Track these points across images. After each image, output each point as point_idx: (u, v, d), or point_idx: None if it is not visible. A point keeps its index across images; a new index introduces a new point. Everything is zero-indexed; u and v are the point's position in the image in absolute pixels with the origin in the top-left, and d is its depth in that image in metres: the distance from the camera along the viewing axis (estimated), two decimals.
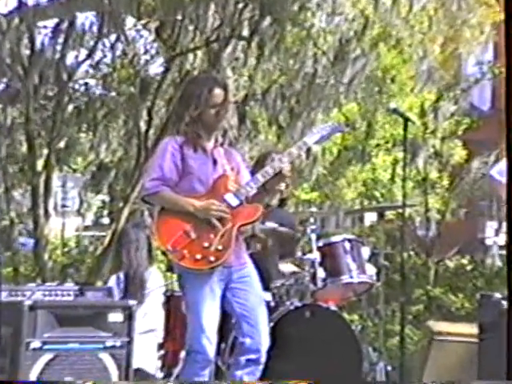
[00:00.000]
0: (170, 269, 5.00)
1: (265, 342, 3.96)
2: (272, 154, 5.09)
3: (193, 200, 3.94)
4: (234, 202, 3.98)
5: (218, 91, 4.00)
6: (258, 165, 4.97)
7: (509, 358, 3.80)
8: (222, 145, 4.15)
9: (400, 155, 13.40)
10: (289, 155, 3.99)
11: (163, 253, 4.03)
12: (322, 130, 4.10)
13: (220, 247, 3.87)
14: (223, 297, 3.97)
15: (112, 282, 5.56)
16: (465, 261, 13.53)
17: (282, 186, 4.81)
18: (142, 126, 11.19)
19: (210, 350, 3.89)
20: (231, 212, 3.96)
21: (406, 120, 4.94)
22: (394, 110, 5.16)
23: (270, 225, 4.95)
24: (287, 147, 13.10)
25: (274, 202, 5.23)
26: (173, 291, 5.31)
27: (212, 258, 3.88)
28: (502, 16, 10.94)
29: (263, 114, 11.79)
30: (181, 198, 3.95)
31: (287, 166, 4.01)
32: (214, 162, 4.06)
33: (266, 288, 4.77)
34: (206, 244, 3.87)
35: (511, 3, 3.97)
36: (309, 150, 14.68)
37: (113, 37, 10.94)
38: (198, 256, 3.85)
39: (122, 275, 5.51)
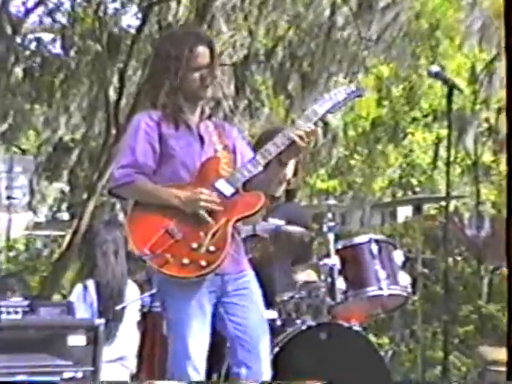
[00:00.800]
0: (148, 276, 5.02)
1: (266, 373, 3.97)
2: (277, 132, 5.10)
3: (176, 190, 3.97)
4: (228, 190, 3.98)
5: (201, 49, 4.02)
6: (260, 145, 4.96)
7: (509, 357, 3.90)
8: (210, 117, 4.13)
9: (444, 132, 13.42)
10: (295, 129, 4.03)
11: (139, 258, 4.03)
12: (335, 95, 4.10)
13: (212, 248, 3.88)
14: (214, 314, 3.96)
15: (75, 294, 5.57)
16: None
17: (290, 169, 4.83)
18: (112, 94, 11.21)
19: (197, 379, 3.88)
20: (225, 203, 3.97)
21: (452, 87, 4.94)
22: (437, 74, 5.15)
23: (275, 222, 4.97)
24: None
25: (280, 192, 5.25)
26: (150, 307, 5.34)
27: (203, 263, 3.87)
28: None
29: (268, 81, 11.81)
30: (160, 189, 3.95)
31: (298, 138, 4.02)
32: (201, 140, 4.06)
33: (271, 303, 4.78)
34: (195, 245, 3.88)
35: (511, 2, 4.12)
36: (326, 124, 14.69)
37: None
38: (185, 260, 3.86)
39: (90, 285, 5.53)
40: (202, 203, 3.93)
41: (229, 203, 3.97)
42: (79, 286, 5.63)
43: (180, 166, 4.00)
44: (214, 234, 3.92)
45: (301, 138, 4.00)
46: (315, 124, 4.05)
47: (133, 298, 5.58)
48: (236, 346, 3.99)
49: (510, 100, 4.14)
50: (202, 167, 4.02)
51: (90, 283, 5.58)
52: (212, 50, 4.08)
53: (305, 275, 5.26)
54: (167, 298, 4.00)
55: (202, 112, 4.13)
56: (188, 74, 4.02)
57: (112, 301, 5.51)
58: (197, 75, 4.03)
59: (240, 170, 4.02)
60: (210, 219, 3.93)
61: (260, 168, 4.00)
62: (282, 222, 5.01)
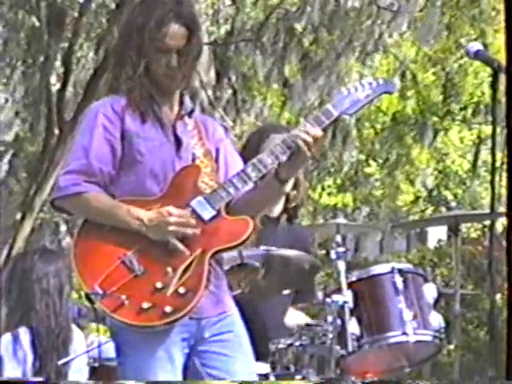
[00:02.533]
0: (98, 319, 5.01)
1: None
2: (272, 132, 5.08)
3: (138, 209, 3.93)
4: (207, 212, 3.98)
5: (174, 27, 3.97)
6: (249, 149, 4.95)
7: (509, 357, 3.96)
8: (190, 114, 4.13)
9: (487, 130, 13.48)
10: (299, 134, 3.98)
11: (86, 297, 4.02)
12: (355, 90, 4.08)
13: (182, 290, 3.87)
14: (187, 366, 3.96)
15: (2, 347, 5.58)
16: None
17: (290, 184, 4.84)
18: (54, 82, 11.23)
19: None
20: (202, 229, 3.97)
21: (498, 70, 4.97)
22: (478, 54, 5.16)
23: (269, 248, 4.98)
24: (298, 117, 13.24)
25: (277, 211, 5.27)
26: (102, 359, 5.35)
27: (168, 309, 3.88)
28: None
29: (258, 64, 11.86)
30: (118, 206, 3.93)
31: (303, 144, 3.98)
32: (178, 142, 4.04)
33: (263, 352, 4.80)
34: (159, 284, 3.88)
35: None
36: (335, 120, 14.67)
37: None
38: (145, 304, 3.85)
39: (23, 335, 5.54)
40: (172, 228, 3.91)
41: (207, 229, 3.95)
42: (7, 337, 5.63)
43: (147, 175, 3.97)
44: (185, 270, 3.90)
45: (307, 145, 3.95)
46: (324, 129, 4.01)
47: (80, 349, 5.59)
48: None
49: (510, 100, 4.18)
50: (176, 179, 3.99)
51: (23, 332, 5.57)
52: (191, 30, 4.01)
53: (298, 317, 5.29)
54: (125, 349, 4.00)
55: (181, 104, 4.10)
56: (153, 55, 4.01)
57: (54, 354, 5.51)
58: (163, 59, 4.01)
59: (224, 186, 3.98)
60: (183, 248, 3.92)
61: (250, 184, 3.99)
62: (278, 248, 5.03)
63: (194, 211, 3.94)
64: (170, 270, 3.89)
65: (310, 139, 3.94)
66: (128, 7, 4.37)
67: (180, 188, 3.98)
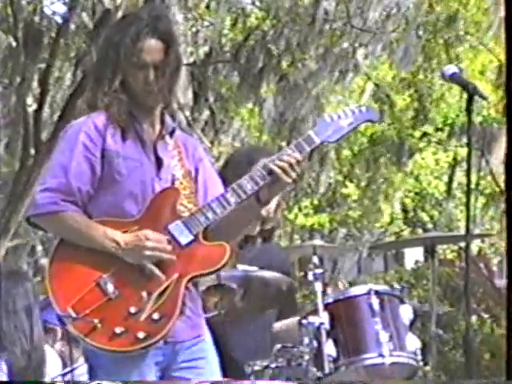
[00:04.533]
0: (70, 341, 4.99)
1: None
2: (252, 154, 5.08)
3: (114, 232, 3.91)
4: (185, 236, 3.94)
5: (151, 42, 3.98)
6: (228, 171, 4.94)
7: (509, 357, 3.97)
8: (172, 133, 4.08)
9: (462, 152, 13.54)
10: (278, 159, 3.95)
11: (58, 318, 3.99)
12: (338, 118, 4.09)
13: (156, 316, 3.86)
14: None
15: None
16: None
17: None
18: (31, 102, 11.21)
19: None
20: (178, 254, 3.92)
21: (473, 93, 4.99)
22: (453, 77, 5.19)
23: (245, 268, 4.99)
24: (276, 138, 13.22)
25: (255, 229, 5.25)
26: (76, 382, 5.33)
27: (140, 335, 3.83)
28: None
29: (234, 85, 11.88)
30: (94, 227, 3.90)
31: (280, 171, 3.96)
32: (158, 162, 4.02)
33: (239, 374, 4.80)
34: (133, 309, 3.86)
35: None
36: (317, 147, 14.64)
37: None
38: (118, 329, 3.84)
39: None
40: (149, 252, 3.89)
41: (183, 254, 3.93)
42: None
43: (126, 196, 3.95)
44: (160, 295, 3.88)
45: (284, 171, 3.96)
46: (303, 155, 4.00)
47: (55, 370, 5.57)
48: None
49: (509, 101, 4.20)
50: (155, 201, 3.97)
51: None
52: (168, 46, 4.00)
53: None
54: (98, 373, 3.97)
55: (162, 124, 4.08)
56: (130, 71, 3.99)
57: (29, 374, 5.48)
58: (141, 75, 3.99)
59: (203, 210, 3.96)
60: (159, 273, 3.90)
61: (229, 209, 3.97)
62: (254, 268, 5.04)
63: (171, 235, 3.92)
64: (144, 294, 3.87)
65: (285, 165, 3.95)
66: (107, 27, 4.37)
67: (158, 211, 3.96)
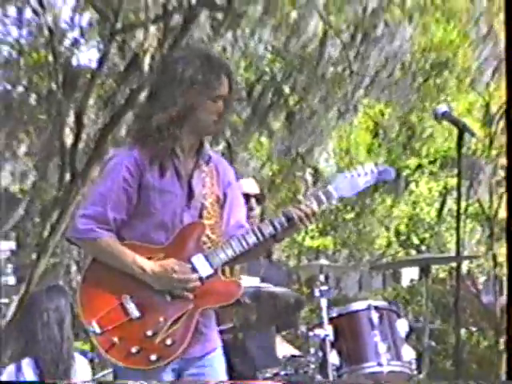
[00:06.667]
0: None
1: None
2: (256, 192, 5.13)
3: (143, 260, 3.85)
4: (205, 270, 3.88)
5: (223, 78, 3.95)
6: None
7: (509, 357, 3.92)
8: (208, 161, 4.00)
9: (453, 181, 13.50)
10: (303, 210, 3.90)
11: (85, 330, 3.97)
12: (358, 176, 4.04)
13: (169, 342, 3.81)
14: None
15: (6, 377, 5.49)
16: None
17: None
18: (68, 137, 11.22)
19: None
20: (198, 285, 3.87)
21: (463, 129, 4.98)
22: (445, 115, 5.18)
23: (255, 283, 4.97)
24: (283, 169, 13.11)
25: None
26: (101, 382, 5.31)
27: (153, 357, 3.80)
28: None
29: (247, 120, 11.87)
30: (125, 254, 3.85)
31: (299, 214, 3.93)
32: (190, 192, 3.95)
33: (251, 380, 4.77)
34: (150, 332, 3.80)
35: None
36: (317, 171, 14.75)
37: (19, 2, 10.98)
38: (134, 349, 3.80)
39: (25, 366, 5.48)
40: (175, 284, 3.83)
41: (202, 287, 3.88)
42: (10, 368, 5.57)
43: (156, 226, 3.91)
44: (174, 322, 3.83)
45: (301, 221, 3.94)
46: (321, 206, 3.97)
47: (83, 376, 5.53)
48: None
49: (509, 102, 4.17)
50: (182, 232, 3.92)
51: (25, 363, 5.51)
52: (230, 80, 3.98)
53: (283, 348, 5.25)
54: (123, 378, 3.94)
55: (199, 155, 4.02)
56: (205, 102, 3.92)
57: (57, 381, 5.45)
58: (213, 107, 3.94)
59: (223, 247, 3.91)
60: (191, 296, 3.87)
61: (247, 248, 3.91)
62: (256, 279, 5.02)
63: (193, 267, 3.87)
64: (161, 319, 3.83)
65: (305, 216, 3.93)
66: (168, 61, 4.22)
67: (184, 242, 3.91)
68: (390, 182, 4.20)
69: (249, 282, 4.96)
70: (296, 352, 5.14)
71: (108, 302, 3.84)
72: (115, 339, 3.81)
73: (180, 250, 3.88)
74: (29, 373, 5.46)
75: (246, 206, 4.50)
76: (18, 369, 5.49)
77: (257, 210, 5.27)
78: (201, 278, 3.86)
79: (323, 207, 4.08)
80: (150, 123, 3.91)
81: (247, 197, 4.91)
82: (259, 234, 3.92)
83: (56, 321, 5.54)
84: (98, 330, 3.82)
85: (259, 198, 5.36)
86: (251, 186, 5.32)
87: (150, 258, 3.87)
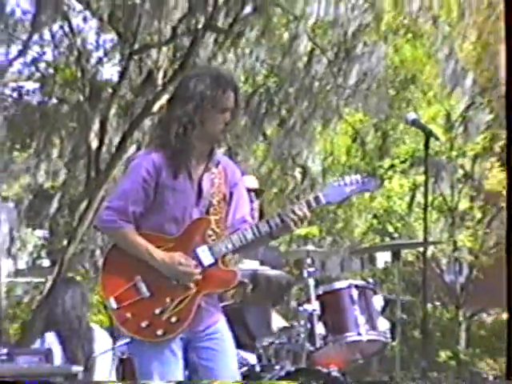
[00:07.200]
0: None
1: None
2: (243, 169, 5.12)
3: (155, 250, 3.85)
4: (208, 259, 3.87)
5: (230, 93, 3.94)
6: None
7: (509, 357, 3.89)
8: (217, 165, 3.97)
9: (420, 178, 13.47)
10: (291, 213, 3.87)
11: (104, 305, 3.99)
12: (344, 185, 4.01)
13: (174, 319, 3.80)
14: (185, 359, 3.90)
15: (45, 343, 5.55)
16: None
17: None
18: (93, 141, 11.20)
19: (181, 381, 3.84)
20: (200, 273, 3.85)
21: (429, 134, 4.96)
22: (414, 122, 5.16)
23: (253, 266, 4.94)
24: (277, 165, 13.11)
25: None
26: (126, 353, 5.29)
27: (159, 332, 3.80)
28: None
29: (246, 126, 11.85)
30: (142, 243, 3.85)
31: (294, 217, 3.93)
32: (199, 192, 3.93)
33: (250, 348, 4.76)
34: (158, 310, 3.80)
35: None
36: (305, 170, 14.76)
37: (54, 27, 10.97)
38: (144, 323, 3.79)
39: (50, 338, 5.51)
40: (180, 274, 3.83)
41: (204, 274, 3.87)
42: (52, 334, 5.58)
43: (169, 220, 3.89)
44: (179, 303, 3.83)
45: (294, 223, 3.91)
46: (311, 210, 3.94)
47: (103, 345, 5.54)
48: None
49: (509, 102, 4.13)
50: (190, 226, 3.90)
51: (50, 335, 5.52)
52: (236, 94, 3.97)
53: (277, 321, 5.23)
54: (139, 347, 3.92)
55: (209, 159, 3.99)
56: (214, 114, 3.90)
57: (79, 350, 5.45)
58: (221, 118, 3.91)
59: (224, 241, 3.91)
60: (193, 285, 3.86)
61: (245, 243, 3.91)
62: (256, 263, 4.99)
63: (197, 257, 3.87)
64: (168, 300, 3.83)
65: (298, 219, 3.90)
66: (184, 79, 4.19)
67: (191, 235, 3.90)
68: (372, 191, 4.15)
69: (249, 265, 4.94)
70: (288, 324, 5.11)
71: (124, 282, 3.84)
72: (128, 314, 3.81)
73: (187, 241, 3.88)
74: (55, 344, 5.46)
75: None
76: (43, 341, 5.48)
77: (255, 203, 5.24)
78: (203, 266, 3.85)
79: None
80: (168, 131, 3.90)
81: (248, 191, 4.87)
82: (256, 232, 3.91)
83: (73, 307, 5.56)
84: (114, 306, 3.83)
85: (258, 193, 5.33)
86: (251, 182, 5.30)
87: (161, 247, 3.86)
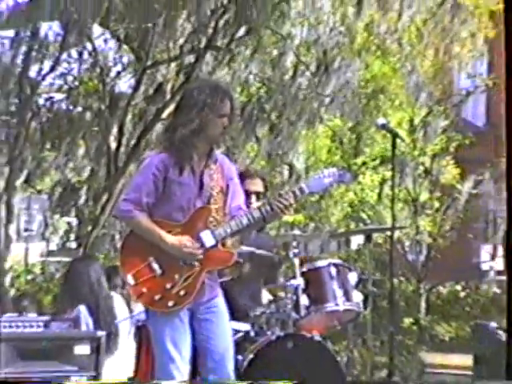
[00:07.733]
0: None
1: (230, 378, 3.94)
2: (251, 173, 5.10)
3: (165, 235, 3.87)
4: (210, 241, 3.91)
5: (227, 101, 3.94)
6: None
7: (509, 356, 3.86)
8: (216, 161, 3.99)
9: (388, 174, 13.47)
10: (278, 201, 3.91)
11: (122, 282, 4.01)
12: (323, 177, 4.04)
13: (182, 292, 3.83)
14: (191, 325, 3.92)
15: (80, 311, 5.50)
16: (459, 287, 13.57)
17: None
18: (112, 143, 11.18)
19: (180, 379, 3.87)
20: (203, 253, 3.90)
21: (395, 136, 4.98)
22: (383, 126, 5.18)
23: (248, 248, 4.95)
24: (269, 163, 13.09)
25: None
26: (142, 321, 5.30)
27: (170, 303, 3.85)
28: (493, 32, 11.19)
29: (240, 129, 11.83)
30: (154, 229, 3.88)
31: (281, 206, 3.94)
32: (201, 185, 3.95)
33: (245, 317, 4.76)
34: (168, 285, 3.83)
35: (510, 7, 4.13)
36: (291, 167, 14.79)
37: (79, 47, 10.95)
38: (157, 297, 3.83)
39: (82, 309, 5.49)
40: (185, 255, 3.86)
41: (206, 254, 3.90)
42: (83, 306, 5.55)
43: (176, 209, 3.92)
44: (186, 279, 3.86)
45: (282, 210, 3.95)
46: (297, 199, 3.97)
47: (122, 312, 5.52)
48: (206, 356, 3.97)
49: (509, 102, 4.13)
50: (194, 214, 3.93)
51: (83, 308, 5.50)
52: (232, 103, 3.99)
53: (267, 294, 5.24)
54: (153, 316, 3.96)
55: (209, 157, 3.99)
56: (213, 119, 3.91)
57: (102, 316, 5.43)
58: (220, 122, 3.92)
59: (224, 226, 3.94)
60: (186, 268, 3.87)
61: (241, 227, 3.95)
62: (253, 249, 5.00)
63: (201, 239, 3.90)
64: (177, 276, 3.86)
65: (284, 207, 3.94)
66: (189, 90, 4.21)
67: (195, 221, 3.93)
68: (347, 182, 4.19)
69: (247, 248, 4.94)
70: (277, 296, 5.12)
71: (139, 262, 3.86)
72: (144, 289, 3.85)
73: (192, 227, 3.90)
74: (85, 313, 5.43)
75: (248, 201, 4.51)
76: (89, 307, 5.42)
77: (254, 204, 5.18)
78: (206, 248, 3.87)
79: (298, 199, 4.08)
80: (175, 135, 3.91)
81: (250, 193, 4.85)
82: (250, 218, 3.94)
83: (93, 281, 5.51)
84: (131, 282, 3.87)
85: (259, 195, 5.28)
86: (257, 185, 5.18)
87: (170, 232, 3.88)
